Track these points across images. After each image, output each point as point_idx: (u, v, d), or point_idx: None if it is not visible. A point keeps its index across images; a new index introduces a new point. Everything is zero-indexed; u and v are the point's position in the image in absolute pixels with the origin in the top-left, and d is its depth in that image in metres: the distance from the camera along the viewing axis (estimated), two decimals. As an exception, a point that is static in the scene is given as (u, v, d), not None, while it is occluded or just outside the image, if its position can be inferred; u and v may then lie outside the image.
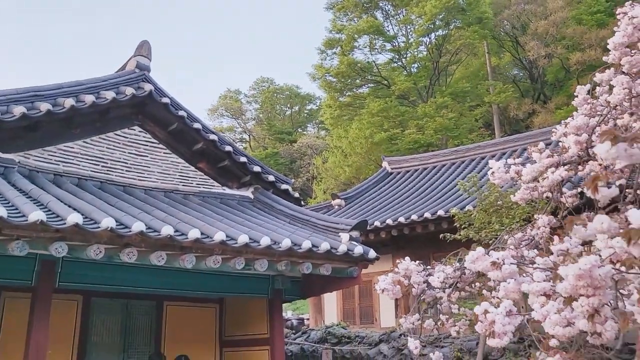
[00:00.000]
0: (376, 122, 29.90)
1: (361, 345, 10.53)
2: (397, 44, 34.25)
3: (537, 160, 4.46)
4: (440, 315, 4.23)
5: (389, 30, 34.54)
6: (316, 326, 14.33)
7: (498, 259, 2.55)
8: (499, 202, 7.81)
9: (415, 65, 33.87)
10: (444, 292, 4.04)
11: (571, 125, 4.23)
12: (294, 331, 14.00)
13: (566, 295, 2.00)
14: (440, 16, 30.77)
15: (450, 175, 16.32)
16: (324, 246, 8.02)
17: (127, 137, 9.50)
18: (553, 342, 2.30)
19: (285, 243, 7.60)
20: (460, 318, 4.14)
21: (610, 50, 4.24)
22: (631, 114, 4.11)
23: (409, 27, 34.10)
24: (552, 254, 2.64)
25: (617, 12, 4.30)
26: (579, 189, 3.70)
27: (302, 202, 12.97)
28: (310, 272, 8.13)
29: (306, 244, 7.83)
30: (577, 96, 4.48)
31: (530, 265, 2.66)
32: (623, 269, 1.99)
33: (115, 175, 9.09)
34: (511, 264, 2.55)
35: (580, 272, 1.82)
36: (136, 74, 9.57)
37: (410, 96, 33.21)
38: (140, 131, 9.70)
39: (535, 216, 4.43)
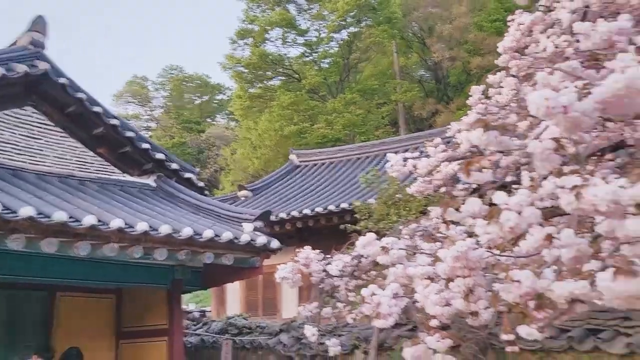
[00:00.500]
0: (286, 115, 29.96)
1: (262, 336, 10.56)
2: (309, 38, 34.47)
3: (432, 155, 4.70)
4: (338, 303, 4.34)
5: (301, 24, 34.66)
6: (218, 318, 14.20)
7: (387, 244, 2.65)
8: (397, 195, 8.11)
9: (327, 61, 34.23)
10: (342, 280, 4.15)
11: (464, 122, 4.48)
12: (195, 323, 13.78)
13: (445, 277, 2.13)
14: (352, 13, 31.30)
15: (355, 170, 16.68)
16: (226, 235, 7.96)
17: (18, 118, 8.92)
18: (434, 323, 2.43)
19: (186, 232, 7.47)
20: (357, 306, 4.27)
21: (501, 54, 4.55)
22: (517, 114, 4.42)
23: (321, 22, 34.36)
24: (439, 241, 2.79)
25: (508, 19, 4.61)
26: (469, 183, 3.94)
27: (208, 193, 12.76)
28: (212, 262, 8.05)
29: (208, 233, 7.74)
30: (472, 96, 4.76)
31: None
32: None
33: (4, 158, 8.51)
34: (400, 249, 2.67)
35: (457, 254, 1.94)
36: (30, 51, 8.98)
37: (321, 91, 33.56)
38: (33, 112, 9.14)
39: (429, 208, 4.66)
